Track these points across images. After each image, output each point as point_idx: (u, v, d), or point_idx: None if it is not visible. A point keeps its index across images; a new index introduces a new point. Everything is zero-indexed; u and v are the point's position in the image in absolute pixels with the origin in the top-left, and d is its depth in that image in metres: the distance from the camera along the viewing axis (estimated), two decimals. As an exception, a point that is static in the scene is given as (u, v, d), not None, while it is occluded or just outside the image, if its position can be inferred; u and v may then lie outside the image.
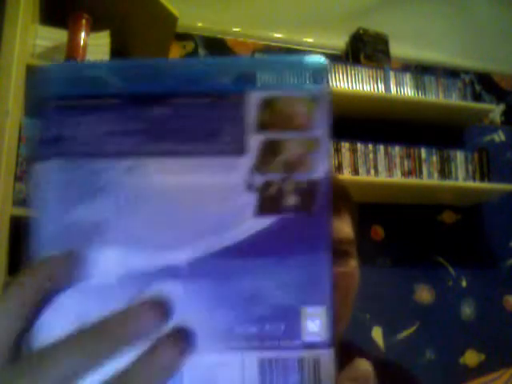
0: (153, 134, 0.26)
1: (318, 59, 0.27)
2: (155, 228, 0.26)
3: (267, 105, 0.26)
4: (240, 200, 0.26)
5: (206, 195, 0.26)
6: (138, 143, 0.26)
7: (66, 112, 0.26)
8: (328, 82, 0.27)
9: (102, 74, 0.27)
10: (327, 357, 0.26)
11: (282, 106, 0.27)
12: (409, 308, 1.88)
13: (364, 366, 0.27)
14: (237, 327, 0.25)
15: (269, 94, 0.26)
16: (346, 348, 0.43)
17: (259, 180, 0.26)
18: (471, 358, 1.88)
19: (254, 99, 0.26)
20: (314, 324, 0.26)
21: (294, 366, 0.26)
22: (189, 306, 0.25)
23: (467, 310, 1.94)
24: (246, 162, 0.26)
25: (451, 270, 1.97)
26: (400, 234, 1.93)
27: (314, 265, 0.26)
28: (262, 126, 0.26)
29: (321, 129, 0.26)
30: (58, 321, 0.24)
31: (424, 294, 1.91)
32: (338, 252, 0.48)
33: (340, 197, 0.50)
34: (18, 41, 1.09)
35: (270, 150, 0.26)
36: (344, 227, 0.49)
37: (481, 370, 1.82)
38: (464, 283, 1.97)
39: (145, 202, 0.26)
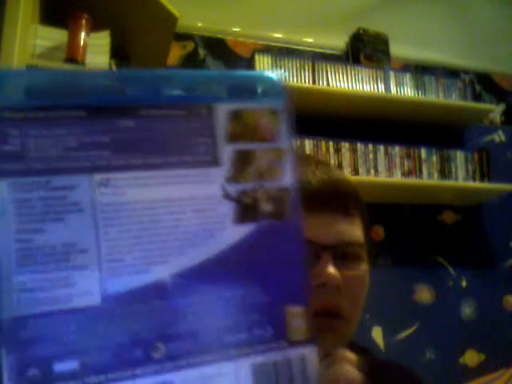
0: (122, 147, 0.25)
1: (276, 76, 0.29)
2: (135, 244, 0.25)
3: (235, 117, 0.27)
4: (218, 210, 0.26)
5: (183, 207, 0.26)
6: (107, 157, 0.25)
7: (22, 125, 0.24)
8: (288, 95, 0.28)
9: (66, 82, 0.25)
10: (311, 353, 0.27)
11: (249, 118, 0.27)
12: (409, 308, 1.88)
13: (346, 353, 0.28)
14: (227, 336, 0.26)
15: (236, 107, 0.27)
16: (349, 348, 0.43)
17: (235, 189, 0.27)
18: (471, 357, 1.88)
19: (223, 111, 0.27)
20: (297, 323, 0.27)
21: (284, 365, 0.26)
22: (176, 321, 0.25)
23: (467, 310, 1.94)
24: (221, 172, 0.27)
25: (451, 270, 1.97)
26: (400, 234, 1.93)
27: (293, 267, 0.27)
28: (232, 138, 0.27)
29: (285, 139, 0.28)
30: (42, 344, 0.23)
31: (424, 294, 1.91)
32: (349, 255, 0.47)
33: (351, 199, 0.49)
34: (17, 41, 1.08)
35: (242, 160, 0.27)
36: (355, 230, 0.48)
37: (481, 370, 1.82)
38: (464, 283, 1.97)
39: (120, 218, 0.25)
